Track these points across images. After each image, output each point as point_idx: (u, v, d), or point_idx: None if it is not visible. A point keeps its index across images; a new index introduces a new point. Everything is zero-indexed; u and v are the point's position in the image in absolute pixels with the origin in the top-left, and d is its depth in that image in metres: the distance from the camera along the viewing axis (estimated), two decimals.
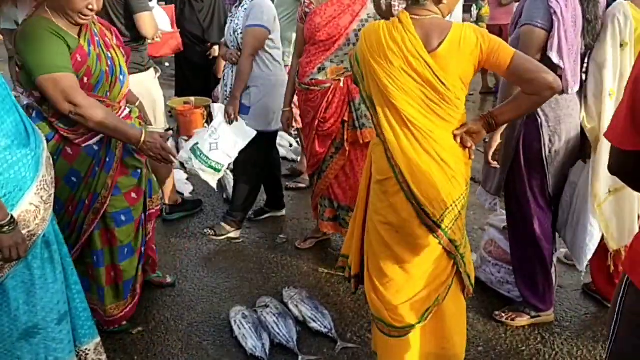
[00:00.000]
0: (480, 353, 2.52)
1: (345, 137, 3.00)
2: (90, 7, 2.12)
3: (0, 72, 1.78)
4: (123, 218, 2.41)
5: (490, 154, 2.51)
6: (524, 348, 2.56)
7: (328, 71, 2.95)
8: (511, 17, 2.62)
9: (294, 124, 3.52)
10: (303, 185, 4.36)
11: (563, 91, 2.45)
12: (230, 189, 4.17)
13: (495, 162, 2.53)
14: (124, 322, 2.59)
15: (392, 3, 2.65)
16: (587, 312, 2.83)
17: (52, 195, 1.86)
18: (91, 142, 2.26)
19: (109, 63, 2.26)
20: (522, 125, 2.44)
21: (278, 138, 5.33)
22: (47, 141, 2.16)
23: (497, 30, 6.87)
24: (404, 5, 1.94)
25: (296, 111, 3.50)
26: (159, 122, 3.44)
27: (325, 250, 3.44)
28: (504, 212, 2.86)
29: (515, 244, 2.70)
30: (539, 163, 2.48)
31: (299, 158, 4.84)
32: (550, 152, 2.46)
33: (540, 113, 2.42)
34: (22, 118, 1.77)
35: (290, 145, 5.32)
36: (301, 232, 3.67)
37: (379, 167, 1.94)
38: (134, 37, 3.18)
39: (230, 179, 4.34)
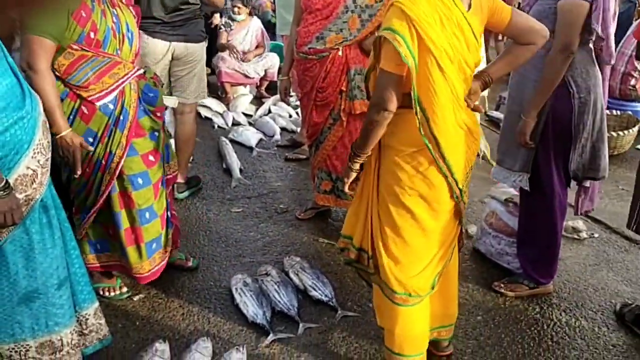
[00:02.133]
0: (479, 322, 2.54)
1: (342, 107, 2.97)
2: None
3: None
4: (140, 181, 2.38)
5: (528, 134, 2.43)
6: (522, 318, 2.57)
7: (327, 40, 2.89)
8: None
9: (291, 92, 3.46)
10: (303, 157, 4.33)
11: (599, 62, 2.43)
12: (229, 159, 4.16)
13: (532, 142, 2.46)
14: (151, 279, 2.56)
15: None
16: (586, 284, 2.84)
17: (49, 159, 1.83)
18: (106, 99, 2.24)
19: (114, 20, 2.23)
20: (553, 96, 2.38)
21: (278, 108, 5.37)
22: (61, 100, 2.17)
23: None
24: None
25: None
26: (205, 92, 3.65)
27: (325, 221, 3.43)
28: (505, 184, 2.86)
29: (528, 216, 2.68)
30: (568, 134, 2.43)
31: (298, 129, 4.80)
32: (578, 123, 2.41)
33: (572, 82, 2.37)
34: (19, 80, 1.73)
35: (290, 116, 5.28)
36: (300, 202, 3.66)
37: (406, 138, 1.86)
38: (200, 7, 3.37)
39: (229, 149, 4.32)
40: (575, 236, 3.26)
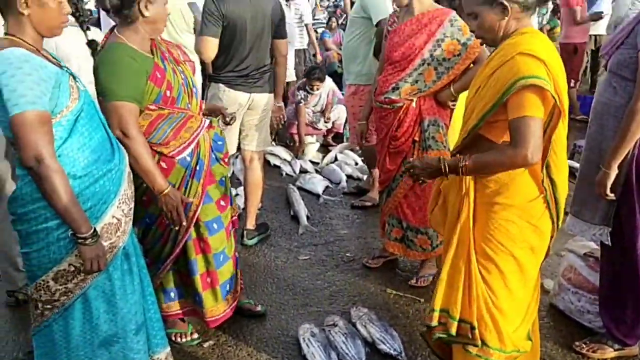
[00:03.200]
0: None
1: (415, 156, 2.96)
2: (168, 14, 2.28)
3: (85, 89, 1.86)
4: (215, 226, 2.47)
5: (609, 186, 2.33)
6: None
7: (402, 91, 2.93)
8: (604, 38, 2.52)
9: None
10: (369, 204, 4.33)
11: None
12: (296, 206, 4.21)
13: (612, 194, 2.36)
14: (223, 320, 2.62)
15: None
16: None
17: (132, 209, 1.92)
18: (184, 153, 2.33)
19: (182, 76, 2.36)
20: (636, 147, 2.29)
21: (344, 156, 5.43)
22: None
23: (572, 49, 6.59)
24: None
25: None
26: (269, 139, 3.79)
27: (393, 271, 3.38)
28: (583, 237, 2.72)
29: (610, 272, 2.53)
30: None
31: (364, 177, 4.82)
32: None
33: None
34: (108, 134, 1.85)
35: (356, 164, 5.32)
36: (367, 251, 3.63)
37: (518, 192, 1.86)
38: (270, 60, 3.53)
39: (297, 196, 4.38)
40: None
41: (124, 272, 1.89)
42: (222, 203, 2.52)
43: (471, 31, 2.04)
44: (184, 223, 2.26)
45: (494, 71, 1.82)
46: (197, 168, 2.37)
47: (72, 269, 1.76)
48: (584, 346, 2.59)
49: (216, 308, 2.55)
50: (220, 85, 3.37)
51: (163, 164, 2.30)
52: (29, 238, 1.75)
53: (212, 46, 3.20)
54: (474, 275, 1.91)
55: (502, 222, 1.88)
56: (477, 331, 1.91)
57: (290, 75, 6.16)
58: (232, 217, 2.66)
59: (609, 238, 2.43)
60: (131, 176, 1.95)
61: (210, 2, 3.19)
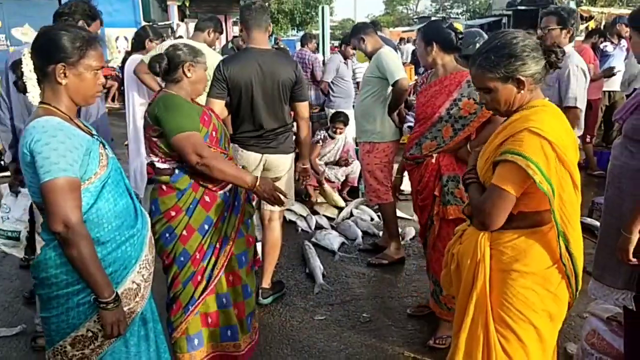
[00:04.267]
0: None
1: (436, 211, 3.04)
2: (204, 86, 2.65)
3: (113, 156, 1.92)
4: (244, 259, 2.68)
5: (631, 251, 2.29)
6: None
7: (423, 147, 3.07)
8: (617, 94, 2.55)
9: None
10: (385, 262, 4.28)
11: None
12: (312, 263, 4.19)
13: (635, 259, 2.32)
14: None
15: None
16: None
17: (152, 274, 1.94)
18: (225, 189, 2.58)
19: (221, 123, 2.67)
20: None
21: (360, 212, 5.42)
22: (185, 192, 2.47)
23: (587, 105, 6.63)
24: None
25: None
26: (293, 198, 3.83)
27: (411, 332, 3.31)
28: (606, 302, 2.66)
29: (635, 338, 2.45)
30: None
31: (380, 233, 4.79)
32: None
33: None
34: (133, 200, 1.88)
35: (372, 219, 5.30)
36: (384, 311, 3.58)
37: (535, 260, 1.87)
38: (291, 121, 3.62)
39: (312, 253, 4.36)
40: None
41: (140, 338, 1.89)
42: (250, 239, 2.75)
43: (482, 104, 2.09)
44: (288, 199, 2.46)
45: (503, 141, 1.84)
46: (236, 204, 2.63)
47: (90, 334, 1.77)
48: None
49: (243, 341, 2.69)
50: (236, 145, 3.44)
51: (206, 197, 2.52)
52: (49, 303, 1.76)
53: (217, 107, 3.31)
54: (494, 344, 1.88)
55: (521, 290, 1.86)
56: None
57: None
58: (256, 254, 2.85)
59: (633, 302, 2.38)
60: (152, 241, 1.97)
61: (218, 66, 3.36)
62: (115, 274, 1.77)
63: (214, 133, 2.54)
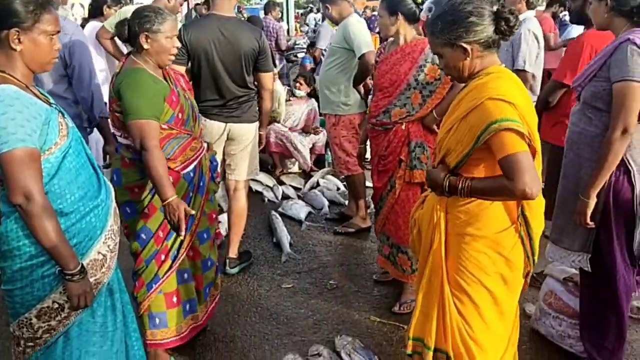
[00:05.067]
0: None
1: (400, 174, 3.11)
2: (175, 46, 2.45)
3: (73, 126, 1.87)
4: (205, 236, 2.68)
5: (588, 215, 2.38)
6: None
7: (392, 114, 3.11)
8: (572, 66, 2.61)
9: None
10: (352, 230, 4.34)
11: None
12: (279, 233, 4.21)
13: (592, 222, 2.41)
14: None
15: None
16: None
17: (117, 244, 1.92)
18: (189, 169, 2.53)
19: (189, 102, 2.55)
20: (612, 175, 2.36)
21: (326, 182, 5.45)
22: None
23: (546, 74, 6.75)
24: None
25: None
26: (257, 168, 3.79)
27: (377, 298, 3.39)
28: (563, 264, 2.77)
29: (590, 298, 2.58)
30: (630, 213, 2.38)
31: (346, 202, 4.84)
32: None
33: (631, 161, 2.34)
34: (96, 170, 1.85)
35: (338, 189, 5.34)
36: (351, 278, 3.64)
37: (488, 224, 1.87)
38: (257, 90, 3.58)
39: (279, 223, 4.38)
40: None
41: (107, 309, 1.88)
42: (214, 216, 2.77)
43: (440, 68, 2.10)
44: (182, 233, 2.37)
45: (465, 114, 1.83)
46: (201, 184, 2.61)
47: (56, 306, 1.75)
48: None
49: (201, 311, 2.73)
50: (202, 116, 3.39)
51: (170, 178, 2.43)
52: (13, 275, 1.73)
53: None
54: (448, 305, 1.92)
55: (473, 253, 1.88)
56: None
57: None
58: (216, 228, 2.85)
59: (588, 264, 2.48)
60: (117, 211, 1.94)
61: (179, 30, 3.23)
62: (80, 245, 1.74)
63: (180, 115, 2.46)
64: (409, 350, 2.04)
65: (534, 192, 1.70)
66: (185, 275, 2.62)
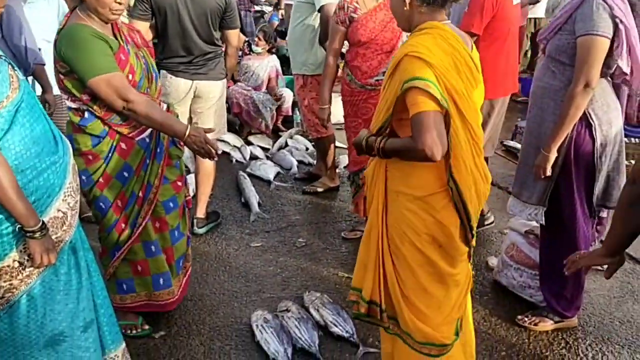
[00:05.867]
0: (503, 358, 2.51)
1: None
2: (119, 1, 2.21)
3: (24, 79, 1.79)
4: (171, 205, 2.55)
5: (549, 168, 2.43)
6: (548, 353, 2.53)
7: None
8: (543, 21, 2.62)
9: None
10: (320, 189, 4.36)
11: (617, 91, 2.47)
12: (247, 193, 4.20)
13: (549, 174, 2.46)
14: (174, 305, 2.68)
15: None
16: (611, 317, 2.79)
17: (78, 202, 1.88)
18: (144, 134, 2.38)
19: (143, 61, 2.39)
20: (574, 129, 2.40)
21: (294, 142, 5.42)
22: (101, 139, 2.28)
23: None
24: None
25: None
26: (224, 127, 3.74)
27: (345, 255, 3.43)
28: (522, 217, 2.84)
29: (550, 249, 2.65)
30: (591, 166, 2.43)
31: (314, 162, 4.84)
32: (601, 155, 2.42)
33: (593, 116, 2.38)
34: (50, 126, 1.79)
35: (307, 149, 5.32)
36: (320, 235, 3.67)
37: (418, 183, 1.83)
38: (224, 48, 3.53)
39: (247, 183, 4.36)
40: (599, 267, 3.20)
41: (71, 267, 1.85)
42: (179, 183, 2.60)
43: None
44: (219, 152, 2.31)
45: (391, 72, 1.81)
46: (158, 150, 2.44)
47: (17, 264, 1.71)
48: (526, 319, 2.72)
49: (176, 285, 2.62)
50: (163, 71, 3.32)
51: (123, 145, 2.33)
52: None
53: (142, 29, 3.13)
54: (384, 260, 1.93)
55: (405, 212, 1.86)
56: (385, 314, 1.95)
57: None
58: (185, 196, 2.72)
59: (543, 218, 2.55)
60: (76, 168, 1.89)
61: None
62: (38, 203, 1.70)
63: (130, 76, 2.28)
64: (350, 299, 2.09)
65: (434, 153, 1.68)
66: (153, 248, 2.50)
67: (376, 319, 1.99)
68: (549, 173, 2.45)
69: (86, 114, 2.28)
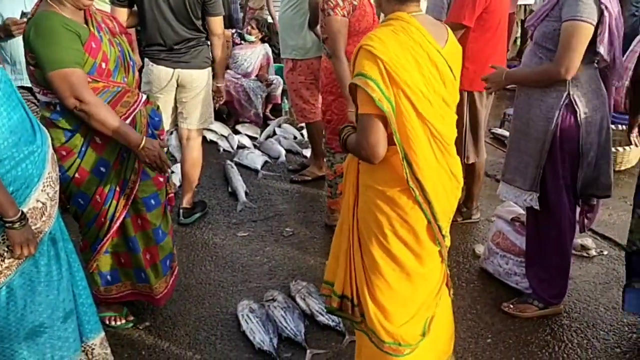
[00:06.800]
0: (489, 345, 2.51)
1: None
2: None
3: (1, 66, 1.76)
4: (153, 202, 2.46)
5: (495, 87, 2.66)
6: (533, 340, 2.54)
7: None
8: (533, 7, 2.63)
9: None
10: (308, 178, 4.33)
11: (604, 79, 2.47)
12: (235, 182, 4.17)
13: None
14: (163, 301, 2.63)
15: None
16: (596, 304, 2.81)
17: (58, 192, 1.85)
18: None
19: (119, 48, 2.30)
20: (559, 116, 2.39)
21: (282, 131, 5.39)
22: (73, 133, 2.20)
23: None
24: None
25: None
26: (212, 117, 3.68)
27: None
28: (512, 203, 2.85)
29: (536, 235, 2.66)
30: (576, 153, 2.43)
31: (304, 151, 4.81)
32: (586, 142, 2.42)
33: (578, 102, 2.38)
34: (28, 115, 1.75)
35: (295, 138, 5.29)
36: (307, 225, 3.66)
37: (385, 178, 1.80)
38: (207, 36, 3.44)
39: (235, 172, 4.33)
40: (585, 254, 3.23)
41: (51, 258, 1.82)
42: (160, 179, 2.50)
43: None
44: (171, 168, 2.20)
45: (352, 62, 1.77)
46: None
47: None
48: (512, 306, 2.73)
49: (159, 285, 2.55)
50: (146, 59, 3.27)
51: (98, 139, 2.25)
52: None
53: (121, 16, 3.08)
54: (353, 255, 1.91)
55: (372, 206, 1.83)
56: (357, 308, 1.93)
57: None
58: (168, 194, 2.63)
59: (537, 203, 2.55)
60: (55, 157, 1.86)
61: None
62: (17, 193, 1.67)
63: (103, 64, 2.18)
64: (322, 292, 2.07)
65: (369, 155, 1.70)
66: (131, 244, 2.45)
67: (347, 313, 1.97)
68: (491, 89, 2.63)
69: (58, 107, 2.20)
